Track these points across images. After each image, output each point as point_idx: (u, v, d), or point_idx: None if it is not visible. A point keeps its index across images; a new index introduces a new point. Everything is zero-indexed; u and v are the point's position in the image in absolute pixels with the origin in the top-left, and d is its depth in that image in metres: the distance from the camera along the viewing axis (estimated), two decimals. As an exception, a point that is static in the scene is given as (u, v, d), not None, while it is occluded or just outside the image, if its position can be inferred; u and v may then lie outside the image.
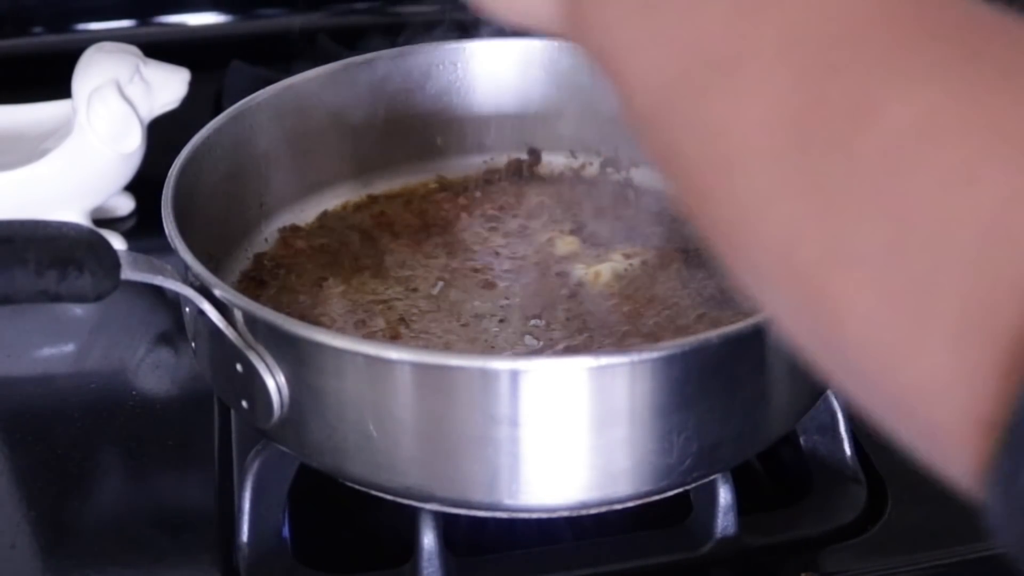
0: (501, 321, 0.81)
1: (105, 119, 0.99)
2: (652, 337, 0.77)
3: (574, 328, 0.79)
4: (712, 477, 0.73)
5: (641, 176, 0.97)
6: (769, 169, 0.37)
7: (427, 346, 0.78)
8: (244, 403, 0.72)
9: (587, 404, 0.66)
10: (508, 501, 0.69)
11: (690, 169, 0.41)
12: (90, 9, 1.37)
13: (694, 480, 0.72)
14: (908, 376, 0.35)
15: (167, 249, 0.73)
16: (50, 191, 1.00)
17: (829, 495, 0.80)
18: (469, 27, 1.02)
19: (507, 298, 0.83)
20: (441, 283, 0.85)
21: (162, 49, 1.06)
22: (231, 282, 0.86)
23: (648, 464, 0.68)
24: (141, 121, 1.01)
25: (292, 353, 0.69)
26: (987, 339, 0.32)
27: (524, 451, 0.67)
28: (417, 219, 0.94)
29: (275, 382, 0.69)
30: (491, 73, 0.99)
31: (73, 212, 1.01)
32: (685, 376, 0.67)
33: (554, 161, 1.01)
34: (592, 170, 1.01)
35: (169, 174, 0.79)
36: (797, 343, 0.40)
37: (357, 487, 0.72)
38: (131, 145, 1.01)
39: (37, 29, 1.37)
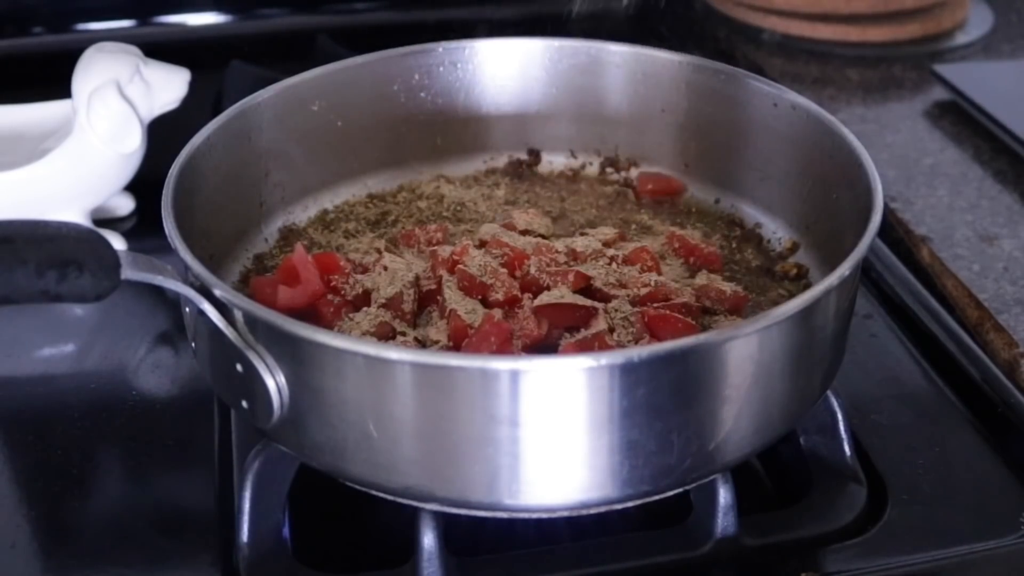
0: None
1: (105, 119, 0.99)
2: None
3: None
4: (712, 477, 0.73)
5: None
6: None
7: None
8: (244, 403, 0.72)
9: (587, 404, 0.66)
10: (508, 501, 0.69)
11: None
12: (90, 9, 1.37)
13: (694, 480, 0.72)
14: None
15: (167, 249, 0.73)
16: (50, 191, 1.00)
17: (829, 495, 0.80)
18: (469, 28, 1.02)
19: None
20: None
21: (162, 49, 1.06)
22: (231, 282, 0.86)
23: (648, 464, 0.68)
24: (141, 121, 1.01)
25: (292, 353, 0.69)
26: None
27: (524, 451, 0.67)
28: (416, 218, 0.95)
29: (275, 382, 0.69)
30: (491, 73, 0.99)
31: (73, 212, 1.01)
32: (685, 376, 0.67)
33: (554, 161, 1.01)
34: (592, 170, 1.01)
35: (169, 174, 0.79)
36: None
37: (357, 487, 0.72)
38: (131, 145, 1.01)
39: (37, 29, 1.38)
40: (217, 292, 0.71)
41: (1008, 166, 1.13)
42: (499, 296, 0.79)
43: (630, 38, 1.00)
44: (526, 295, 0.79)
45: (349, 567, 0.76)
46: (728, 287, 0.83)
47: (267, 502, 0.76)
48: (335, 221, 0.95)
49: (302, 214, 0.94)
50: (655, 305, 0.79)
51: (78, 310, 0.97)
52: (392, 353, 0.66)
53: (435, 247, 0.86)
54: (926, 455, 0.83)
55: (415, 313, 0.80)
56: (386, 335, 0.77)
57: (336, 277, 0.82)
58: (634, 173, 0.99)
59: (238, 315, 0.71)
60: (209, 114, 0.90)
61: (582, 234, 0.89)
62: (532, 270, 0.81)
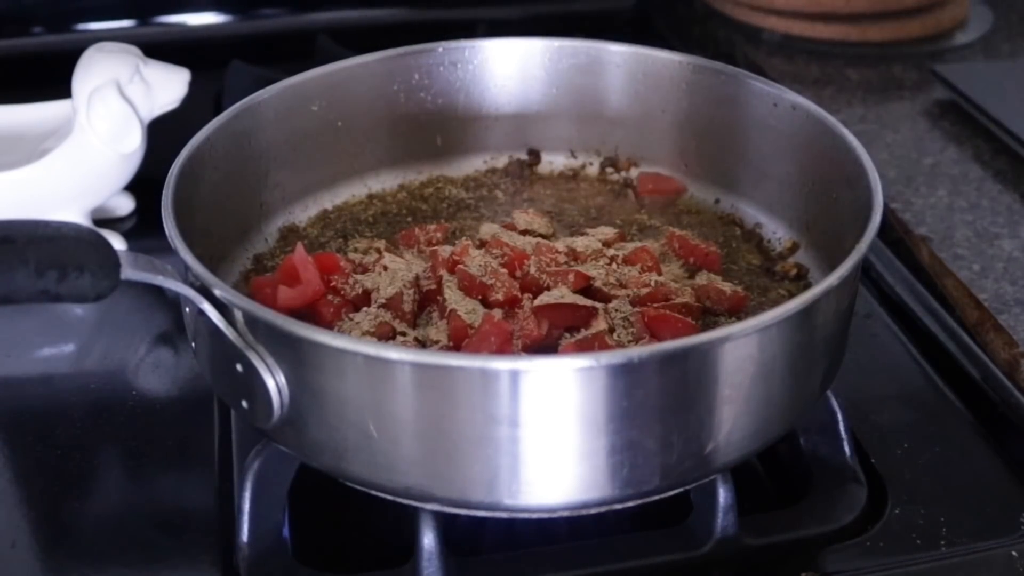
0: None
1: (105, 119, 0.99)
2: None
3: None
4: (712, 477, 0.73)
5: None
6: None
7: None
8: (244, 403, 0.72)
9: (587, 404, 0.66)
10: (508, 501, 0.69)
11: None
12: (90, 9, 1.37)
13: (694, 480, 0.72)
14: None
15: (167, 249, 0.73)
16: (50, 191, 1.00)
17: (829, 495, 0.80)
18: (469, 28, 1.02)
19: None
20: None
21: (162, 49, 1.07)
22: (231, 282, 0.86)
23: (648, 464, 0.68)
24: (141, 121, 1.01)
25: (292, 353, 0.69)
26: None
27: (524, 451, 0.67)
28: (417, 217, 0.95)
29: (275, 382, 0.69)
30: (491, 73, 0.99)
31: (73, 212, 1.01)
32: (685, 376, 0.67)
33: (554, 161, 1.01)
34: (592, 170, 1.01)
35: (169, 174, 0.79)
36: None
37: (357, 487, 0.72)
38: (131, 145, 1.01)
39: (37, 29, 1.38)
40: (217, 292, 0.71)
41: (1008, 166, 1.13)
42: (499, 296, 0.79)
43: (630, 38, 1.00)
44: (526, 295, 0.79)
45: (349, 567, 0.76)
46: (728, 287, 0.83)
47: (267, 502, 0.76)
48: (335, 221, 0.95)
49: (302, 214, 0.94)
50: (655, 305, 0.79)
51: (78, 310, 0.97)
52: (392, 353, 0.66)
53: (435, 247, 0.86)
54: (926, 455, 0.83)
55: (415, 313, 0.80)
56: (386, 335, 0.77)
57: (336, 277, 0.82)
58: (634, 173, 0.99)
59: (238, 315, 0.71)
60: (209, 114, 0.90)
61: (582, 234, 0.89)
62: (532, 270, 0.81)
